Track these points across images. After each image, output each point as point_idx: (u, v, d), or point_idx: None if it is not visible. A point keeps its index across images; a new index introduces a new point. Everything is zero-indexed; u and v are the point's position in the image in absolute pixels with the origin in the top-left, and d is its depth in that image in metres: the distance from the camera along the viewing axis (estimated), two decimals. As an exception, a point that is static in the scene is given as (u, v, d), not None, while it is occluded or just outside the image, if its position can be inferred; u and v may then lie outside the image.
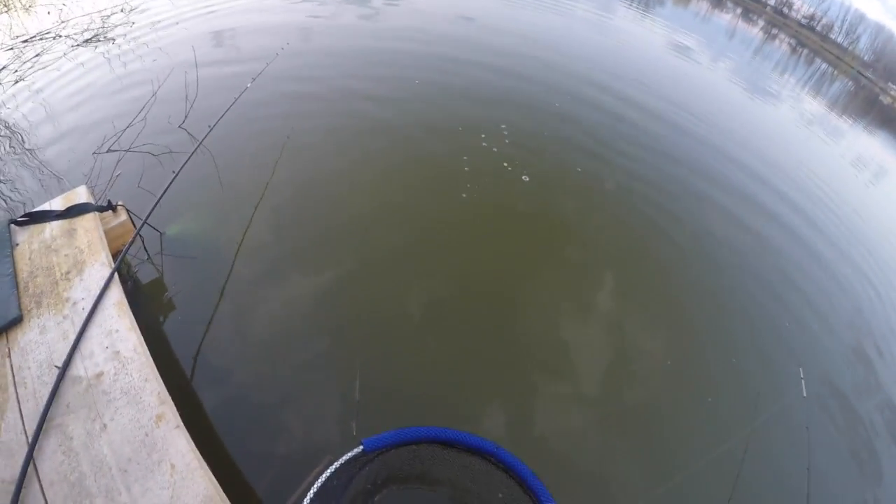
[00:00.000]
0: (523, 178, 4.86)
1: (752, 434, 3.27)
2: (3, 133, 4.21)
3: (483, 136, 5.36)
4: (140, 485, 1.82)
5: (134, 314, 2.42)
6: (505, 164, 4.97)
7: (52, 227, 2.82)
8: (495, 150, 5.19)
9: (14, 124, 4.32)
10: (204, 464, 1.86)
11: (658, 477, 2.88)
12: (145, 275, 3.14)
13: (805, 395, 3.60)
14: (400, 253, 3.79)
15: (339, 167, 4.44)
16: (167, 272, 3.18)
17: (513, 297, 3.70)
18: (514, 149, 5.27)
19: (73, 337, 2.27)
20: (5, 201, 3.51)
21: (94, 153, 3.95)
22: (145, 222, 2.81)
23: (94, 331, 2.31)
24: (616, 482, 2.80)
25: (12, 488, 1.78)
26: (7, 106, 4.56)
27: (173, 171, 3.10)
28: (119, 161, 3.89)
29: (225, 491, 1.84)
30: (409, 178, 4.58)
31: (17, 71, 5.11)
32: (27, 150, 4.02)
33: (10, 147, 4.05)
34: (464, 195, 4.43)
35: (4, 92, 4.74)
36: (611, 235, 4.61)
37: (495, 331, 3.43)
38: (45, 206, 2.93)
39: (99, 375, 2.15)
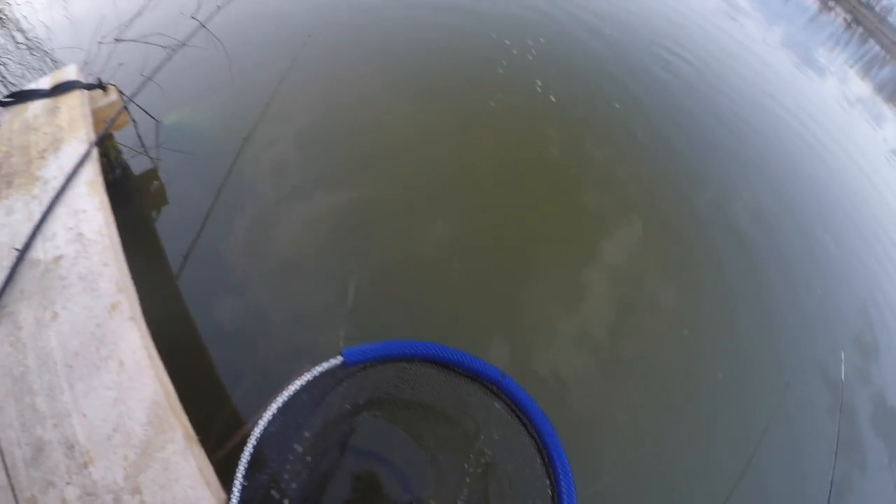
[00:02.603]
0: (551, 97, 4.22)
1: (777, 410, 2.85)
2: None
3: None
4: (84, 383, 1.48)
5: (121, 204, 2.08)
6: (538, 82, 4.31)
7: (36, 107, 2.49)
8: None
9: (14, 12, 4.01)
10: (158, 363, 1.49)
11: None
12: (139, 166, 2.79)
13: (843, 378, 3.12)
14: (415, 168, 3.39)
15: (359, 71, 3.91)
16: (163, 165, 2.82)
17: (534, 229, 3.29)
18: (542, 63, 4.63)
19: (38, 217, 1.95)
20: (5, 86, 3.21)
21: (99, 42, 3.57)
22: (131, 99, 2.42)
23: (60, 210, 1.97)
24: (612, 431, 2.52)
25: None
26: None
27: (171, 52, 2.67)
28: (122, 51, 3.48)
29: (183, 395, 1.48)
30: (433, 88, 4.05)
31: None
32: (26, 38, 3.71)
33: (9, 36, 3.76)
34: (492, 103, 3.90)
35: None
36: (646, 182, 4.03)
37: (507, 261, 3.05)
38: (32, 86, 2.61)
39: (58, 259, 1.81)
